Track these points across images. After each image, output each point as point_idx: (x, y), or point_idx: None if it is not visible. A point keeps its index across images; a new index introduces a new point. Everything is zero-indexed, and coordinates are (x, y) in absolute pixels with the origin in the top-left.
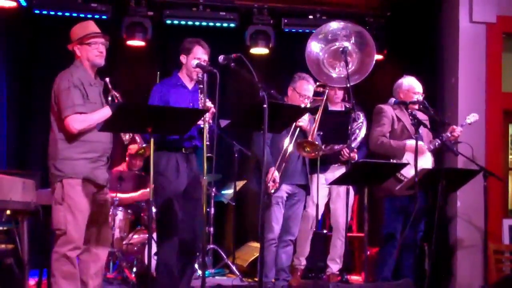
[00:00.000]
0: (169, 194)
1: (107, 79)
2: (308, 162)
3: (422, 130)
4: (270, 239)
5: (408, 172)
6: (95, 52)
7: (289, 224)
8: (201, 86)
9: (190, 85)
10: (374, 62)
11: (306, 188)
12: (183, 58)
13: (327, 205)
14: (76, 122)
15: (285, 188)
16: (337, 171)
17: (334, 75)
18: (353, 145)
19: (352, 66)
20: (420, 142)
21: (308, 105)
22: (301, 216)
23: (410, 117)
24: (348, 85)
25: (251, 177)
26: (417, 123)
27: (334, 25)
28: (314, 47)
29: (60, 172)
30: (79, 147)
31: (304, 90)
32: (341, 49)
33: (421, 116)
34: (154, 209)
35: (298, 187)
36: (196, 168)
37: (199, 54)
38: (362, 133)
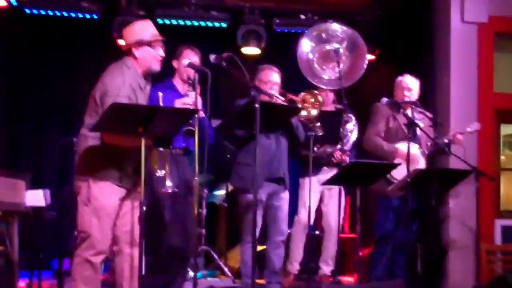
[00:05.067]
0: (157, 194)
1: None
2: (287, 156)
3: (420, 131)
4: (248, 241)
5: (398, 174)
6: (156, 55)
7: (276, 224)
8: (190, 90)
9: (182, 90)
10: (365, 66)
11: (284, 182)
12: (175, 63)
13: (319, 208)
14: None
15: (264, 191)
16: (329, 174)
17: (325, 76)
18: (345, 147)
19: (342, 69)
20: (415, 149)
21: (275, 93)
22: (287, 213)
23: (405, 117)
24: (338, 87)
25: (233, 175)
26: (410, 124)
27: (335, 26)
28: (305, 45)
29: (88, 171)
30: (111, 148)
31: (268, 77)
32: (332, 50)
33: (419, 116)
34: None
35: (277, 183)
36: (187, 172)
37: (190, 57)
38: (354, 135)
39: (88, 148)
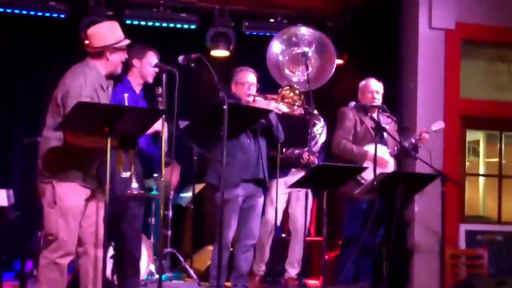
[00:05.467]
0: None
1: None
2: (266, 158)
3: (387, 134)
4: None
5: (369, 175)
6: (123, 59)
7: (249, 227)
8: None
9: (137, 89)
10: (334, 68)
11: (263, 184)
12: (136, 62)
13: (286, 210)
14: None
15: (241, 192)
16: (297, 175)
17: (294, 79)
18: (313, 149)
19: (311, 72)
20: (384, 151)
21: (254, 93)
22: (260, 216)
23: (372, 120)
24: (307, 89)
25: (210, 172)
26: (377, 128)
27: (303, 30)
28: (276, 47)
29: (52, 173)
30: (73, 149)
31: (245, 78)
32: (301, 53)
33: (385, 120)
34: None
35: (255, 184)
36: (139, 171)
37: (153, 59)
38: (322, 137)
39: (50, 150)
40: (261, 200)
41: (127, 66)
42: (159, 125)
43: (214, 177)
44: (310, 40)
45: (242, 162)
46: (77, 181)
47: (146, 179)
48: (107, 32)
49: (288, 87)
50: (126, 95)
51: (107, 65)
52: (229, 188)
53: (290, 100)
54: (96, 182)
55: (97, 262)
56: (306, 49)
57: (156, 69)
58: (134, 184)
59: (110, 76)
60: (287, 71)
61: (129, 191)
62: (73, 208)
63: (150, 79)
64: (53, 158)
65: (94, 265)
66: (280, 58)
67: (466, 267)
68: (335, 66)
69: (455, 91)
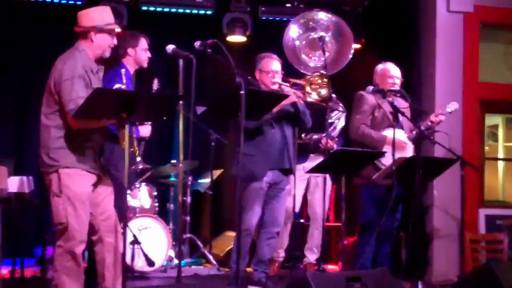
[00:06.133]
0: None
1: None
2: (293, 146)
3: (403, 119)
4: (244, 229)
5: (387, 160)
6: (111, 44)
7: (274, 214)
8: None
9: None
10: (351, 53)
11: (290, 172)
12: (131, 51)
13: (304, 196)
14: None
15: (267, 179)
16: (316, 161)
17: (311, 64)
18: (332, 134)
19: (328, 57)
20: (402, 134)
21: (279, 80)
22: (285, 204)
23: (390, 105)
24: (325, 73)
25: (233, 164)
26: (395, 112)
27: (321, 15)
28: (292, 32)
29: (55, 162)
30: (75, 135)
31: (270, 66)
32: (318, 38)
33: (402, 104)
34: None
35: (282, 173)
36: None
37: (146, 45)
38: (341, 122)
39: (52, 139)
40: (287, 188)
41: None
42: None
43: (240, 168)
44: (327, 24)
45: (268, 152)
46: (82, 166)
47: (163, 165)
48: (94, 14)
49: (318, 73)
50: (123, 70)
51: (93, 47)
52: (255, 180)
53: (317, 87)
54: (99, 166)
55: (112, 249)
56: (323, 34)
57: (149, 54)
58: (138, 159)
59: (99, 61)
60: (303, 56)
61: (133, 166)
62: (80, 195)
63: (145, 64)
64: (56, 146)
65: (110, 252)
66: (297, 43)
67: (485, 251)
68: (352, 51)
69: (473, 75)
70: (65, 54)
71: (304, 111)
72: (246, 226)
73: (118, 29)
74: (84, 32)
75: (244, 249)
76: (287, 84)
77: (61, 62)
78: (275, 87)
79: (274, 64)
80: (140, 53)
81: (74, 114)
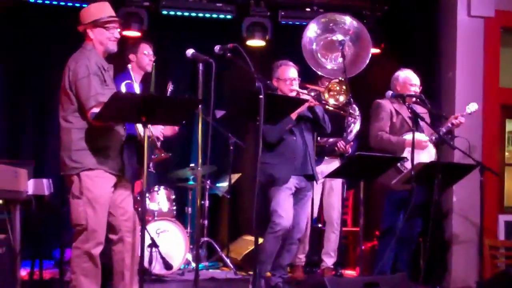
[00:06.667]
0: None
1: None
2: (312, 151)
3: (422, 123)
4: (283, 226)
5: (410, 164)
6: (111, 37)
7: (297, 220)
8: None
9: (138, 79)
10: (369, 57)
11: (312, 178)
12: (132, 57)
13: (321, 200)
14: None
15: (293, 182)
16: (331, 164)
17: (328, 66)
18: (348, 138)
19: (345, 61)
20: (422, 135)
21: (297, 88)
22: (309, 210)
23: (408, 110)
24: (341, 78)
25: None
26: (415, 116)
27: (342, 17)
28: (311, 31)
29: (77, 164)
30: (96, 137)
31: (287, 74)
32: (337, 41)
33: (421, 109)
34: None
35: (305, 179)
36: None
37: (147, 50)
38: (356, 126)
39: (73, 141)
40: (310, 194)
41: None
42: None
43: (263, 176)
44: (347, 29)
45: (290, 159)
46: (104, 168)
47: (182, 169)
48: (90, 11)
49: (337, 80)
50: (124, 83)
51: (95, 44)
52: (279, 186)
53: (335, 93)
54: (121, 168)
55: (131, 248)
56: (341, 37)
57: (152, 58)
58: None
59: (108, 57)
60: (320, 57)
61: (153, 156)
62: (101, 197)
63: (149, 68)
64: (77, 148)
65: (129, 251)
66: (314, 45)
67: (505, 258)
68: (369, 56)
69: (494, 80)
70: (75, 54)
71: (323, 116)
72: (287, 223)
73: (113, 19)
74: (84, 33)
75: (272, 248)
76: (305, 92)
77: (73, 62)
78: (293, 94)
79: (291, 72)
80: (141, 58)
81: (94, 118)
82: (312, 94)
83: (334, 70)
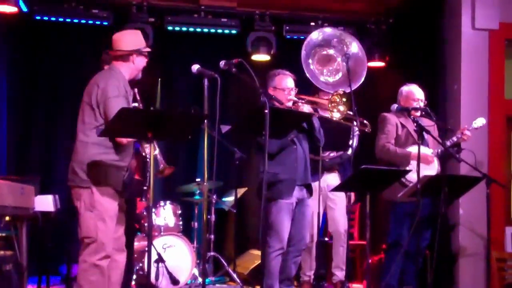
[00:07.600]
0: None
1: (136, 90)
2: (309, 161)
3: (428, 136)
4: (278, 248)
5: (413, 177)
6: (144, 65)
7: (302, 232)
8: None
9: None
10: (365, 72)
11: (310, 188)
12: None
13: (325, 213)
14: None
15: (296, 194)
16: (329, 178)
17: (330, 80)
18: (348, 153)
19: (340, 75)
20: (427, 149)
21: (294, 97)
22: (311, 220)
23: (414, 123)
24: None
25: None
26: (420, 129)
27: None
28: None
29: (91, 178)
30: (111, 154)
31: (285, 83)
32: (335, 56)
33: (427, 122)
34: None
35: (306, 189)
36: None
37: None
38: (355, 141)
39: (89, 155)
40: (310, 203)
41: None
42: None
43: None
44: (338, 41)
45: (294, 168)
46: (113, 185)
47: (188, 183)
48: (133, 37)
49: (341, 92)
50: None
51: (132, 69)
52: (284, 198)
53: (335, 105)
54: (123, 186)
55: (119, 267)
56: (331, 51)
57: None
58: (161, 159)
59: (132, 84)
60: (315, 70)
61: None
62: (110, 210)
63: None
64: (92, 163)
65: (115, 269)
66: (310, 60)
67: None
68: (366, 68)
69: (499, 92)
70: (103, 73)
71: (319, 128)
72: (281, 245)
73: (149, 50)
74: (125, 55)
75: (277, 268)
76: (303, 101)
77: (103, 80)
78: (290, 104)
79: (288, 81)
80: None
81: (100, 134)
82: (308, 105)
83: (327, 83)
